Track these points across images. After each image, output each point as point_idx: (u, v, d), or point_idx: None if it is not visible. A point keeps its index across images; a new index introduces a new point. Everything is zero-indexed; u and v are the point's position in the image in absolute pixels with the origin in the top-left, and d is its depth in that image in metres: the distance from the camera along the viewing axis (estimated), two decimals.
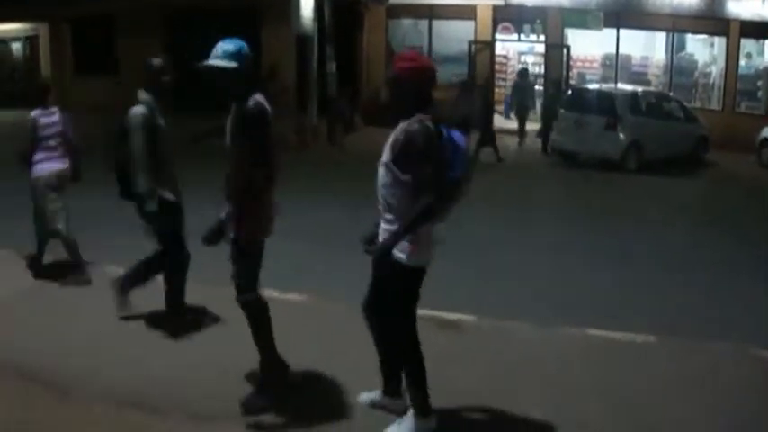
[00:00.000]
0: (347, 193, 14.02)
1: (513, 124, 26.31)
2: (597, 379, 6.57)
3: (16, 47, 36.05)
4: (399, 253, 5.11)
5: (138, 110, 6.94)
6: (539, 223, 13.37)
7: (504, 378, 6.41)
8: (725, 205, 17.28)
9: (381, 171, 5.13)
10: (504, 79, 29.36)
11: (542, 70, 28.51)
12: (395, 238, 5.05)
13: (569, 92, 24.31)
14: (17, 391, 6.05)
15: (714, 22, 26.14)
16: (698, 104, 26.62)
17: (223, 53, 5.43)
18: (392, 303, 5.30)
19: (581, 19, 26.65)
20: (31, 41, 34.86)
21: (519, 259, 10.58)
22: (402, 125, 5.03)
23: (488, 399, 5.73)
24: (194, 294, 7.47)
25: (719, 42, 27.09)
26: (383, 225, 5.22)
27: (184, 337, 6.78)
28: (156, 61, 7.10)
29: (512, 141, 24.40)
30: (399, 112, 5.05)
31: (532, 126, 25.33)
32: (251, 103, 5.53)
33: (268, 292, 7.02)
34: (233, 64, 5.43)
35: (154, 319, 7.31)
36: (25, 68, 34.97)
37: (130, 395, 5.96)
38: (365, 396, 5.76)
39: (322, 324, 7.60)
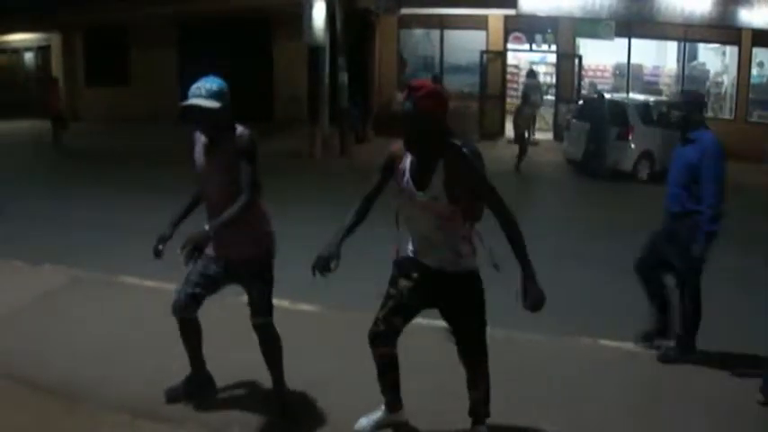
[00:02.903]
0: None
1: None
2: (609, 389, 6.57)
3: (28, 57, 36.23)
4: (473, 265, 5.26)
5: None
6: (550, 233, 13.33)
7: (516, 388, 6.41)
8: (736, 215, 17.17)
9: (431, 213, 5.09)
10: (516, 89, 29.32)
11: (554, 80, 28.47)
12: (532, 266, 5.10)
13: (580, 102, 24.25)
14: (27, 402, 6.06)
15: (726, 31, 26.04)
16: (710, 114, 26.44)
17: (207, 92, 5.47)
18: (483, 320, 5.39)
19: (592, 28, 26.58)
20: (43, 52, 35.02)
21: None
22: (455, 158, 4.99)
23: (500, 409, 5.71)
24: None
25: (731, 51, 27.01)
26: (438, 254, 5.24)
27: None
28: None
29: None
30: (425, 145, 4.99)
31: (544, 135, 25.44)
32: (243, 131, 5.65)
33: (280, 303, 7.05)
34: (215, 104, 5.47)
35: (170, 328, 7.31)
36: (37, 78, 35.12)
37: (144, 404, 5.98)
38: (364, 421, 5.73)
39: (333, 334, 7.62)
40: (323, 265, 5.19)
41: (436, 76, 24.96)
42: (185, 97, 5.49)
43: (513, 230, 5.02)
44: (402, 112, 4.96)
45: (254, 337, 5.89)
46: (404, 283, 5.36)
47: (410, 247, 5.41)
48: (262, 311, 5.80)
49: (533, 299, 4.97)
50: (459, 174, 4.95)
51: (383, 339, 5.39)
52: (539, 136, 26.25)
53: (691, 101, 7.52)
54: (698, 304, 7.43)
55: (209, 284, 5.85)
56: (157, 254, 5.78)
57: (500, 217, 5.03)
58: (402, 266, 5.42)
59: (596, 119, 20.97)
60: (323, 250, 5.23)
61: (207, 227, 5.45)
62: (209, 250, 5.72)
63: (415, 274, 5.34)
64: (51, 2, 29.11)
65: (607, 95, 23.03)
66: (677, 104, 7.61)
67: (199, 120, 5.55)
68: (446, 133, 5.05)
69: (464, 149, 5.02)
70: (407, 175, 5.12)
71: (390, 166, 5.22)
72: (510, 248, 5.00)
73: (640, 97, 23.25)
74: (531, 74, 27.18)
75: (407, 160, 5.14)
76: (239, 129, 5.65)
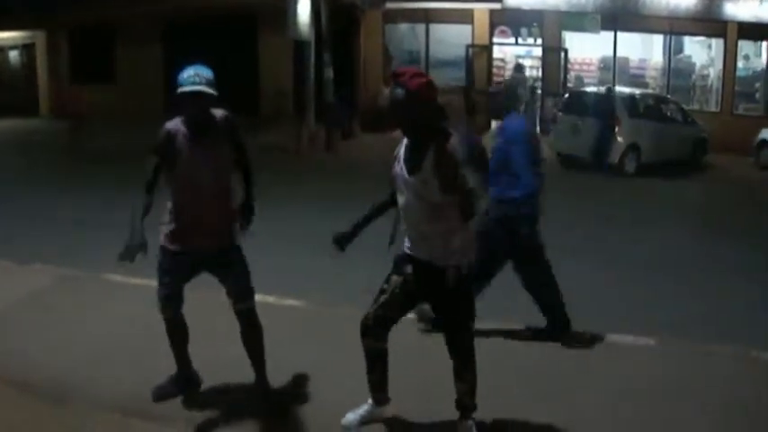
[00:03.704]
0: (342, 200, 13.95)
1: None
2: (598, 382, 6.56)
3: (13, 55, 36.05)
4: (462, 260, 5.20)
5: None
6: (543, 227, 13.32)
7: (506, 381, 6.39)
8: (724, 208, 17.27)
9: (423, 201, 5.07)
10: (502, 83, 29.32)
11: (540, 74, 28.47)
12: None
13: (566, 95, 24.23)
14: (16, 401, 6.02)
15: (712, 23, 26.11)
16: (696, 106, 26.58)
17: (206, 81, 5.48)
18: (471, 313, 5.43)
19: (578, 22, 26.63)
20: (28, 50, 34.86)
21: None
22: (453, 142, 4.93)
23: (490, 403, 5.71)
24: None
25: (717, 44, 27.07)
26: (429, 248, 5.21)
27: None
28: None
29: None
30: (417, 129, 5.01)
31: None
32: (225, 114, 5.74)
33: (266, 299, 7.05)
34: (214, 92, 5.50)
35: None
36: (22, 76, 34.97)
37: (133, 403, 5.94)
38: (351, 416, 5.71)
39: (319, 330, 7.59)
40: (340, 242, 5.50)
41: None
42: (173, 91, 5.47)
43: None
44: (390, 98, 4.96)
45: (237, 333, 5.90)
46: (395, 278, 5.38)
47: (405, 242, 5.40)
48: (245, 296, 5.83)
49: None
50: (444, 157, 4.91)
51: (372, 333, 5.41)
52: None
53: (499, 92, 7.88)
54: (551, 289, 7.59)
55: (184, 278, 5.86)
56: (133, 259, 5.61)
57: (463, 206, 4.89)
58: (398, 263, 5.44)
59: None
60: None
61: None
62: (174, 246, 5.74)
63: (407, 269, 5.35)
64: (35, 0, 28.95)
65: (593, 88, 23.07)
66: (490, 94, 7.90)
67: (195, 108, 5.55)
68: (438, 118, 5.07)
69: (454, 138, 4.97)
70: (401, 160, 5.15)
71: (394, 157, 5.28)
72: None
73: (626, 90, 23.27)
74: (519, 68, 27.21)
75: (402, 146, 5.19)
76: (218, 113, 5.71)
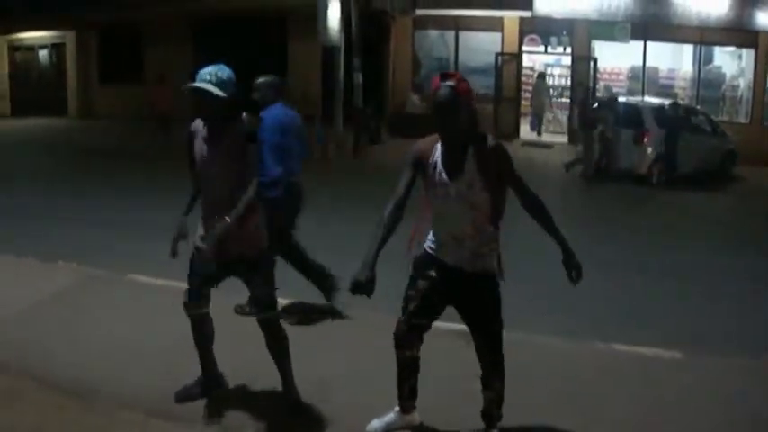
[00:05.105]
0: (370, 206, 13.89)
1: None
2: (623, 394, 6.52)
3: (43, 54, 36.26)
4: (491, 267, 5.24)
5: None
6: (572, 237, 13.26)
7: (532, 392, 6.35)
8: (753, 220, 17.13)
9: (465, 205, 5.06)
10: (531, 92, 29.26)
11: (569, 82, 28.38)
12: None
13: (596, 105, 24.09)
14: (40, 399, 6.04)
15: (742, 34, 25.92)
16: (725, 118, 26.38)
17: (217, 80, 5.45)
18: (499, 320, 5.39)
19: (608, 31, 26.52)
20: (57, 49, 35.06)
21: (547, 273, 10.51)
22: (488, 146, 5.01)
23: (515, 412, 5.68)
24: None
25: (748, 54, 26.91)
26: (460, 251, 5.19)
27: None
28: None
29: (540, 154, 24.23)
30: (457, 132, 5.00)
31: (558, 138, 25.35)
32: (248, 118, 5.65)
33: (291, 303, 7.04)
34: (222, 94, 5.43)
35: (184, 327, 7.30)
36: (51, 76, 35.16)
37: (157, 403, 5.95)
38: (376, 423, 5.69)
39: (345, 334, 7.58)
40: (364, 290, 5.01)
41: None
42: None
43: (540, 208, 5.16)
44: (437, 96, 4.95)
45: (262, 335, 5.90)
46: (422, 283, 5.33)
47: (430, 243, 5.37)
48: (266, 306, 5.80)
49: (576, 270, 5.40)
50: (488, 157, 4.97)
51: (407, 342, 5.39)
52: (553, 139, 26.14)
53: (264, 83, 7.91)
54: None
55: (211, 280, 5.85)
56: (175, 254, 5.73)
57: (526, 197, 5.11)
58: (419, 266, 5.39)
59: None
60: (359, 273, 5.01)
61: (227, 218, 5.41)
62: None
63: (431, 273, 5.32)
64: (66, 0, 29.11)
65: (622, 98, 22.90)
66: (255, 86, 7.90)
67: (202, 105, 5.52)
68: (475, 123, 5.08)
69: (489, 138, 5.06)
70: (439, 166, 5.10)
71: (419, 163, 5.18)
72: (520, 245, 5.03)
73: (655, 100, 23.11)
74: (542, 76, 27.30)
75: (437, 153, 5.12)
76: (243, 116, 5.64)
